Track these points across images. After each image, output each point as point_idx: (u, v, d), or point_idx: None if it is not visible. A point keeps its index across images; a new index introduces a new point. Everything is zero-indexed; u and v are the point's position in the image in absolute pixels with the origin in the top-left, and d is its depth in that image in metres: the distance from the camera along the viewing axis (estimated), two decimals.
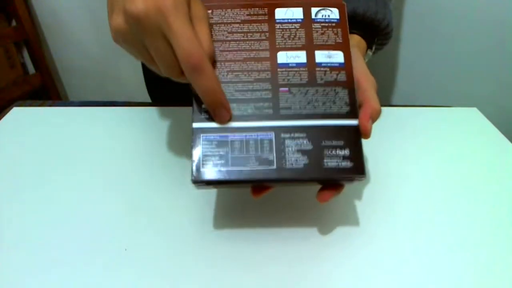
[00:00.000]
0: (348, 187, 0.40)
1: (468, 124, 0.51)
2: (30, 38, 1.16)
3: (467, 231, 0.36)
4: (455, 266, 0.32)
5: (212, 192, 0.39)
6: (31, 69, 1.26)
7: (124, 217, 0.36)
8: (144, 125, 0.49)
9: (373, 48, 0.46)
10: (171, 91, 0.59)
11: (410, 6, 0.84)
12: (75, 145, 0.45)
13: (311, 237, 0.35)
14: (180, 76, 0.29)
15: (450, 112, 0.54)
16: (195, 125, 0.30)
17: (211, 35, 0.30)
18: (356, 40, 0.43)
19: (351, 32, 0.43)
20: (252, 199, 0.31)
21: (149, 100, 0.71)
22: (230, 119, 0.29)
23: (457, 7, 0.81)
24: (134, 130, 0.48)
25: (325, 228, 0.36)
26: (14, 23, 1.16)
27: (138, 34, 0.26)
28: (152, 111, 0.52)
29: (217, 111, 0.29)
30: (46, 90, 1.27)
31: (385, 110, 0.54)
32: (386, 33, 0.45)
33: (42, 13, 1.17)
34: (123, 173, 0.41)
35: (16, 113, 0.51)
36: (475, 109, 0.55)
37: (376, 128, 0.50)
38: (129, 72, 1.21)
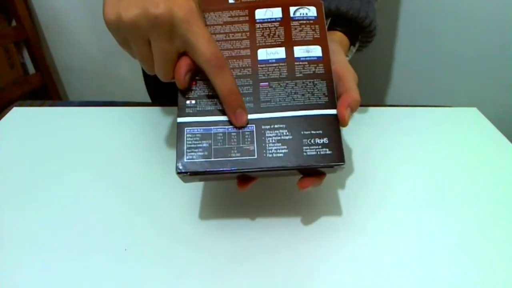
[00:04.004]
0: (343, 184, 0.40)
1: (468, 124, 0.51)
2: (30, 38, 1.16)
3: (466, 230, 0.36)
4: (452, 265, 0.33)
5: (212, 191, 0.39)
6: (31, 69, 1.26)
7: (124, 217, 0.36)
8: (144, 125, 0.49)
9: (356, 45, 0.47)
10: (170, 91, 0.59)
11: (410, 5, 0.84)
12: (75, 145, 0.45)
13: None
14: (171, 77, 0.30)
15: (450, 112, 0.54)
16: (180, 119, 0.31)
17: None
18: (338, 37, 0.44)
19: (334, 30, 0.44)
20: (245, 194, 0.31)
21: (149, 100, 0.71)
22: (247, 121, 0.30)
23: (457, 6, 0.81)
24: (134, 130, 0.48)
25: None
26: (14, 23, 1.16)
27: (150, 32, 0.27)
28: (152, 111, 0.52)
29: (238, 112, 0.30)
30: (46, 90, 1.27)
31: (384, 110, 0.54)
32: (370, 31, 0.46)
33: (42, 13, 1.17)
34: (123, 173, 0.41)
35: (16, 113, 0.51)
36: (475, 109, 0.55)
37: (376, 127, 0.50)
38: (129, 72, 1.21)
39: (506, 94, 0.89)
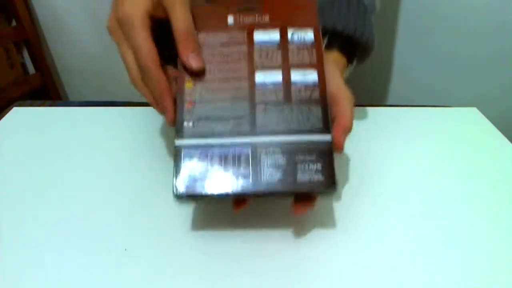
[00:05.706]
0: (343, 185, 0.40)
1: (468, 124, 0.51)
2: (30, 38, 1.16)
3: (466, 231, 0.36)
4: (453, 265, 0.32)
5: None
6: (31, 69, 1.26)
7: (124, 217, 0.36)
8: (144, 125, 0.49)
9: (354, 62, 0.47)
10: None
11: (410, 5, 0.85)
12: (75, 145, 0.45)
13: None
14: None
15: (450, 112, 0.54)
16: (177, 142, 0.31)
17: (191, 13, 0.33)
18: (335, 57, 0.44)
19: (331, 48, 0.44)
20: None
21: None
22: (173, 123, 0.32)
23: (457, 6, 0.81)
24: (134, 130, 0.48)
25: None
26: (14, 23, 1.16)
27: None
28: (152, 111, 0.51)
29: (164, 115, 0.32)
30: (46, 90, 1.27)
31: (384, 110, 0.54)
32: (366, 48, 0.46)
33: (42, 13, 1.17)
34: (123, 173, 0.41)
35: (16, 113, 0.51)
36: (475, 109, 0.55)
37: (376, 127, 0.50)
38: None
39: (506, 94, 0.89)
